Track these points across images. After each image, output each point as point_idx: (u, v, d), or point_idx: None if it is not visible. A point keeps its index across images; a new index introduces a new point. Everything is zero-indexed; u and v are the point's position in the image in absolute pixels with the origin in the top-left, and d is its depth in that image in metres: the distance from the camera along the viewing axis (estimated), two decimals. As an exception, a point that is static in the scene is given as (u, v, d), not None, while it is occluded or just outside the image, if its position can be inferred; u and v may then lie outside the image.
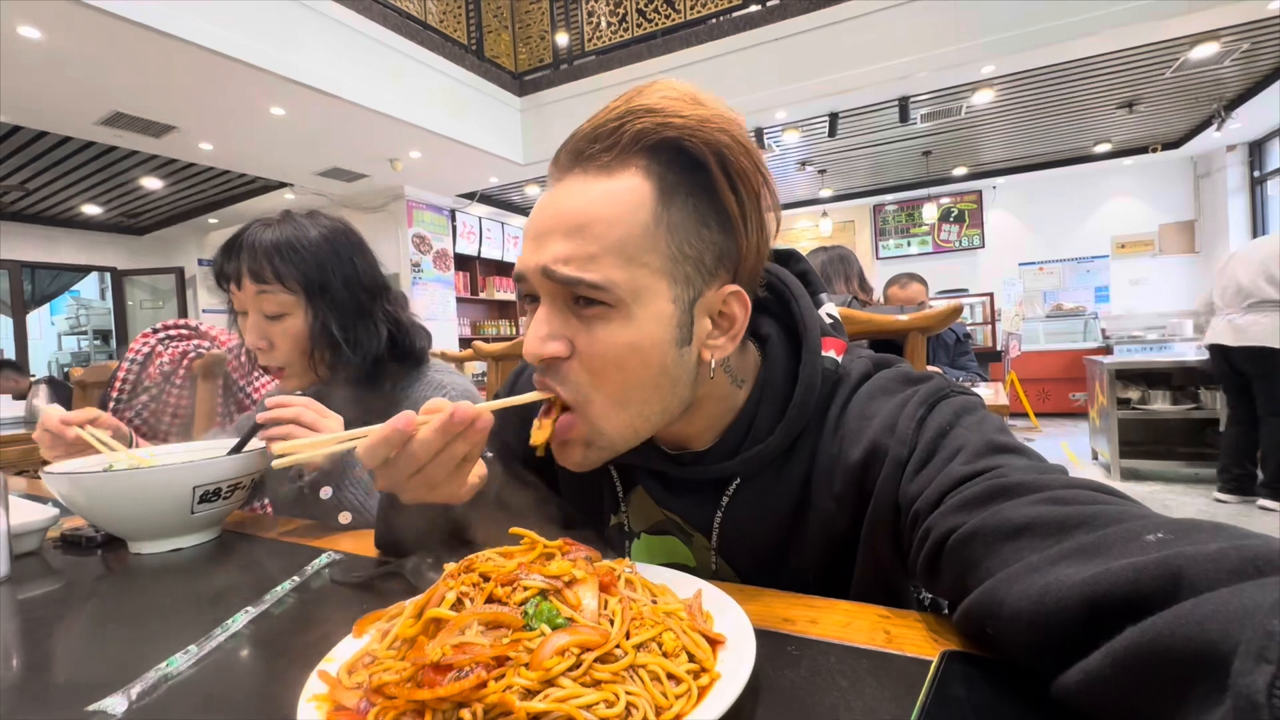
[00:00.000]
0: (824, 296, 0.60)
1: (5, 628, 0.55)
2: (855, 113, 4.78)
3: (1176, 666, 0.24)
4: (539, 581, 0.36)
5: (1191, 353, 3.63)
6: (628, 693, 0.31)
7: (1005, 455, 0.45)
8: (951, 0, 3.72)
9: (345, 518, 0.78)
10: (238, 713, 0.39)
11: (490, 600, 0.36)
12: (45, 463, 0.84)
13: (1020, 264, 7.38)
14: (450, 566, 0.40)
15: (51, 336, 8.56)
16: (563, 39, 5.15)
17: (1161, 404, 3.87)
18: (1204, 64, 4.26)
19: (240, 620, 0.49)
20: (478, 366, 4.69)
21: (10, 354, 6.75)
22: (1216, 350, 3.31)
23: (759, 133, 4.93)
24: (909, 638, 0.41)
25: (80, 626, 0.55)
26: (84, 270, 7.59)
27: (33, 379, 3.96)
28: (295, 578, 0.58)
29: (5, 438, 2.14)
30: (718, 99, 0.49)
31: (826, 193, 7.43)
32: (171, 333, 1.32)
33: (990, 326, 6.65)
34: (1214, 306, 3.36)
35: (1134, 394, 3.93)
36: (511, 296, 7.11)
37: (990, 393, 2.48)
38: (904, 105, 4.42)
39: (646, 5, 4.72)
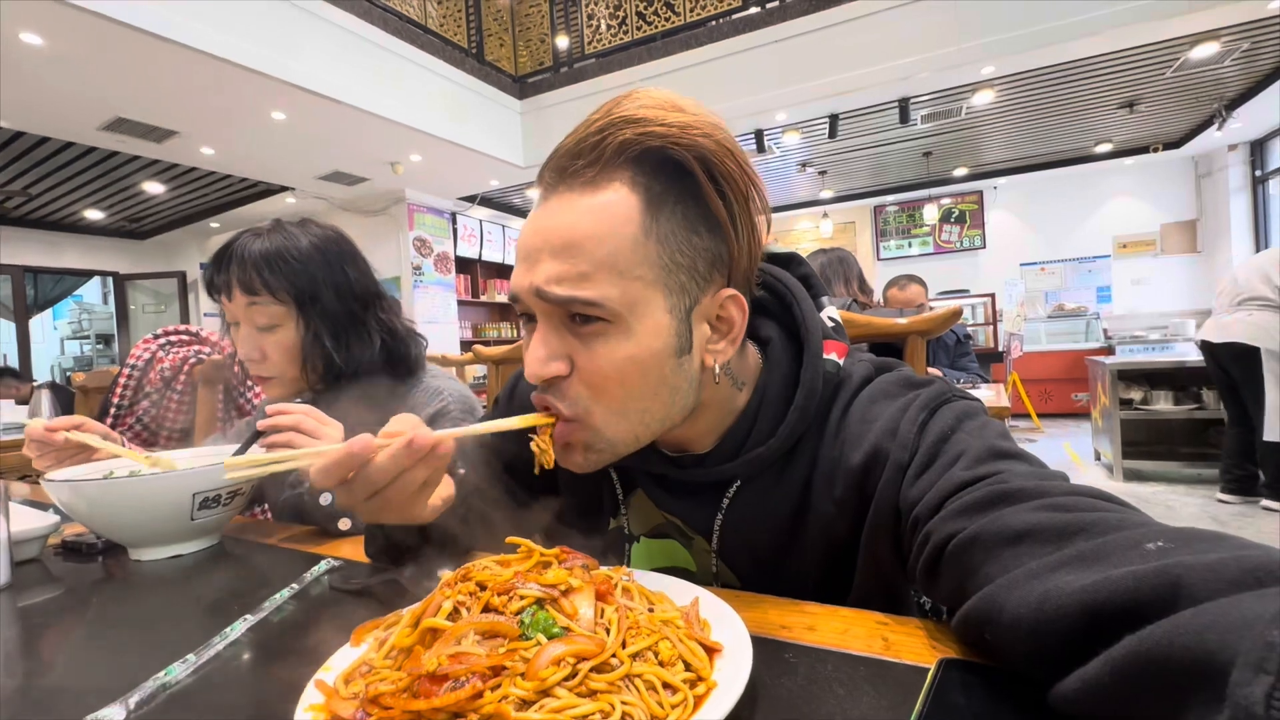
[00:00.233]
0: (825, 299, 0.60)
1: (5, 635, 0.55)
2: (855, 114, 4.78)
3: (1175, 676, 0.24)
4: (535, 590, 0.37)
5: (1194, 353, 3.61)
6: (623, 703, 0.31)
7: (1006, 461, 0.45)
8: (951, 1, 3.72)
9: (345, 524, 0.78)
10: (235, 722, 0.39)
11: (487, 609, 0.36)
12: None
13: (1022, 264, 7.37)
14: (447, 575, 0.40)
15: (54, 341, 8.58)
16: (563, 42, 5.15)
17: (1164, 404, 3.86)
18: (1204, 64, 4.25)
19: (239, 628, 0.49)
20: (479, 370, 4.69)
21: (13, 358, 6.78)
22: (1204, 348, 3.31)
23: (759, 134, 4.93)
24: (907, 645, 0.41)
25: (80, 634, 0.55)
26: (86, 275, 7.61)
27: (34, 384, 3.97)
28: (294, 585, 0.58)
29: (7, 443, 2.14)
30: (698, 104, 0.48)
31: (827, 194, 7.43)
32: (172, 338, 1.33)
33: (992, 327, 6.65)
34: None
35: (1136, 394, 3.92)
36: (513, 299, 7.09)
37: (991, 394, 2.47)
38: (904, 106, 4.42)
39: (646, 8, 4.72)
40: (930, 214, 7.27)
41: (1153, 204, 6.84)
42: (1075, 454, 4.90)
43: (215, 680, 0.43)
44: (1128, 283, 6.99)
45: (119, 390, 1.26)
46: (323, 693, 0.35)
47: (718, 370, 0.51)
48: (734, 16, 4.40)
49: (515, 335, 7.07)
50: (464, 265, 6.71)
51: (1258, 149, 5.98)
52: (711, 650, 0.37)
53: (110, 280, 7.80)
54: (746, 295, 0.52)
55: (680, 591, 0.45)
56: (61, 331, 8.60)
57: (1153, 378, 3.96)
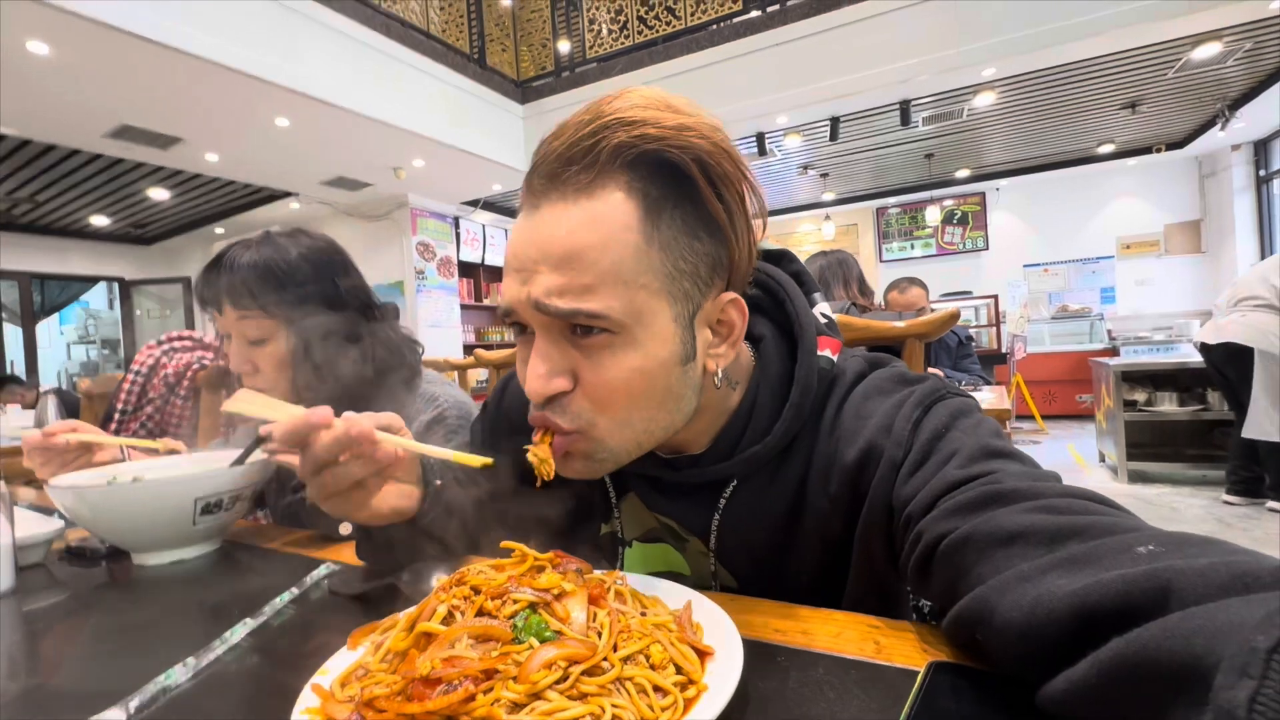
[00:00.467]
0: (817, 296, 0.60)
1: (10, 639, 0.56)
2: (856, 116, 4.79)
3: (1160, 678, 0.24)
4: (528, 595, 0.37)
5: (1198, 354, 3.60)
6: (614, 705, 0.31)
7: (1000, 460, 0.45)
8: (951, 2, 3.72)
9: (345, 528, 0.79)
10: (234, 725, 0.39)
11: (480, 613, 0.36)
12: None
13: (1025, 265, 7.36)
14: (443, 579, 0.40)
15: (60, 346, 8.64)
16: (564, 46, 5.18)
17: (1169, 405, 3.85)
18: (1207, 64, 4.25)
19: (239, 632, 0.50)
20: (481, 374, 4.70)
21: (20, 364, 6.82)
22: (1202, 350, 3.31)
23: (760, 137, 4.94)
24: (899, 648, 0.42)
25: (83, 638, 0.56)
26: (92, 280, 7.67)
27: (40, 390, 4.00)
28: (294, 589, 0.58)
29: (13, 449, 2.16)
30: (691, 102, 0.47)
31: (829, 196, 7.43)
32: (176, 344, 1.33)
33: (995, 329, 6.63)
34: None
35: (1141, 395, 3.91)
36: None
37: (993, 396, 2.47)
38: (905, 109, 4.42)
39: (647, 12, 4.74)
40: (933, 216, 7.27)
41: (1156, 204, 6.83)
42: (1080, 456, 4.88)
43: (214, 683, 0.43)
44: (1131, 283, 6.97)
45: (123, 396, 1.27)
46: (319, 696, 0.35)
47: (719, 375, 0.51)
48: (735, 20, 4.41)
49: (518, 339, 7.06)
50: (467, 269, 6.73)
51: (1261, 149, 5.97)
52: (703, 654, 0.38)
53: (116, 286, 7.86)
54: (741, 294, 0.52)
55: (674, 595, 0.45)
56: (68, 337, 8.66)
57: (1157, 379, 3.95)
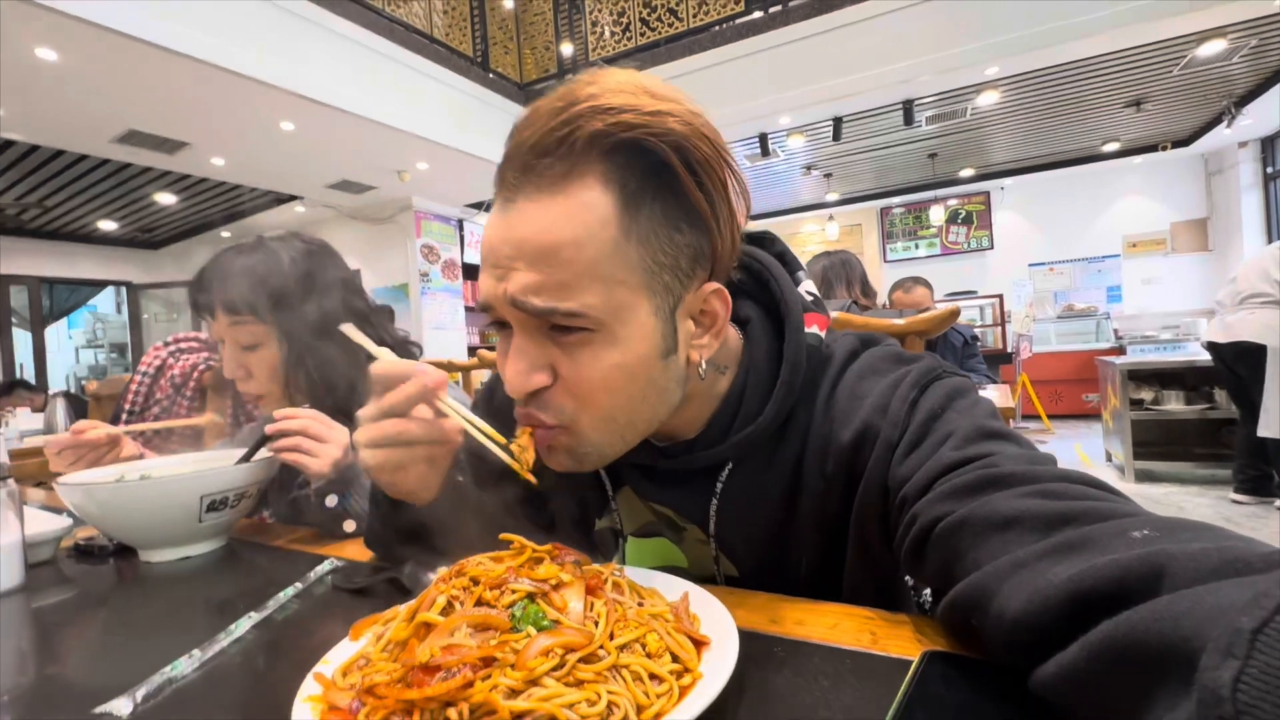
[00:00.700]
0: (801, 275, 0.59)
1: (20, 634, 0.57)
2: (860, 116, 4.78)
3: (1148, 660, 0.25)
4: (526, 585, 0.38)
5: (1205, 352, 3.58)
6: (610, 692, 0.32)
7: (996, 442, 0.44)
8: (953, 2, 3.72)
9: (350, 525, 0.79)
10: (238, 714, 0.40)
11: (479, 603, 0.37)
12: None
13: (1030, 265, 7.33)
14: (442, 571, 0.41)
15: (69, 350, 8.70)
16: (567, 49, 5.19)
17: (1175, 404, 3.82)
18: (1212, 61, 4.23)
19: (244, 625, 0.51)
20: (485, 375, 4.71)
21: (30, 367, 6.88)
22: (1211, 349, 3.29)
23: (763, 138, 4.95)
24: (894, 639, 0.42)
25: (91, 632, 0.57)
26: (100, 285, 7.73)
27: (49, 393, 4.04)
28: (298, 584, 0.59)
29: (25, 450, 2.18)
30: (669, 85, 0.45)
31: (833, 196, 7.42)
32: (182, 346, 1.35)
33: (1000, 328, 6.61)
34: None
35: (1147, 394, 3.89)
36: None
37: (997, 395, 2.46)
38: (908, 108, 4.42)
39: (650, 14, 4.75)
40: (937, 215, 7.26)
41: (1162, 203, 6.79)
42: (1086, 456, 4.86)
43: (219, 674, 0.44)
44: (1138, 282, 6.93)
45: (130, 397, 1.29)
46: (320, 684, 0.36)
47: (703, 366, 0.50)
48: (737, 21, 4.42)
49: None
50: (471, 271, 6.75)
51: (1269, 145, 5.93)
52: (699, 643, 0.38)
53: (124, 290, 7.92)
54: (725, 280, 0.51)
55: (672, 587, 0.46)
56: (76, 341, 8.73)
57: (1164, 378, 3.92)
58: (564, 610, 0.37)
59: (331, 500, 0.79)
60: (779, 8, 4.23)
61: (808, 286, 0.58)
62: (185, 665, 0.44)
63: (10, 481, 0.68)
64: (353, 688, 0.35)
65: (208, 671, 0.44)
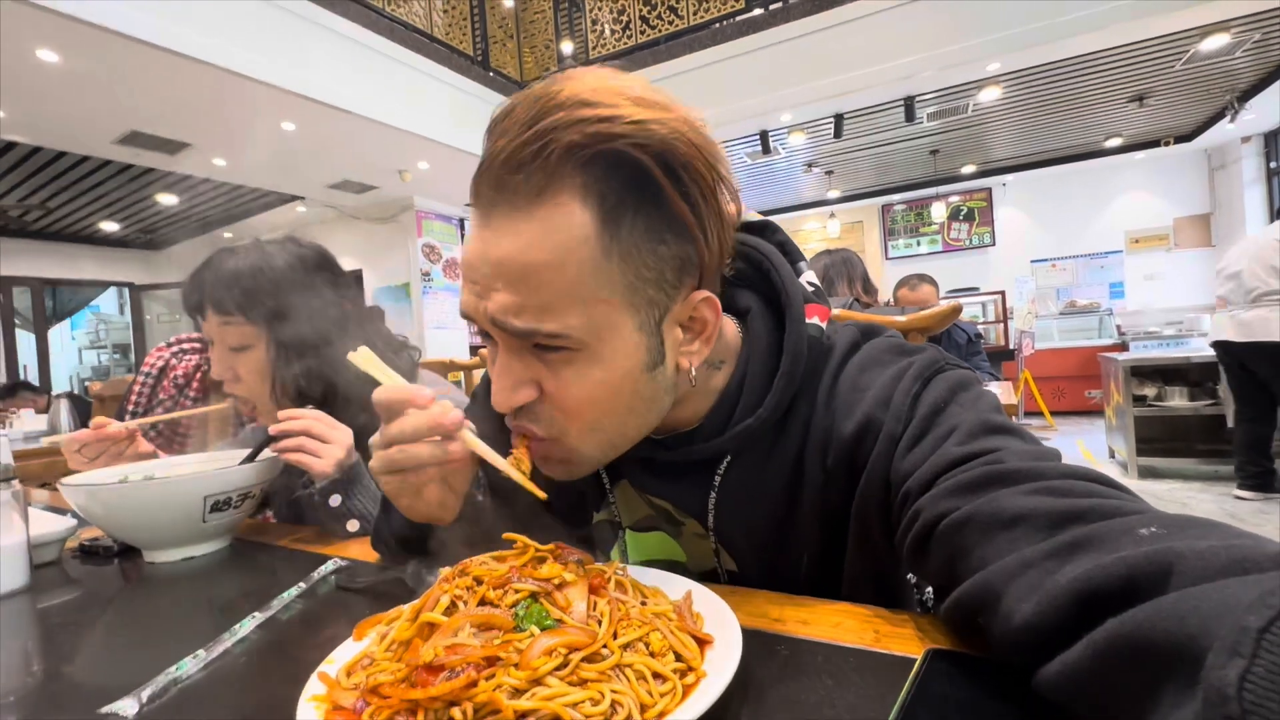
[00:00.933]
0: (803, 265, 0.58)
1: (26, 634, 0.57)
2: (860, 113, 4.77)
3: (1154, 658, 0.24)
4: (530, 584, 0.38)
5: (1208, 348, 3.57)
6: (613, 691, 0.32)
7: (1000, 437, 0.44)
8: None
9: (353, 525, 0.80)
10: (243, 714, 0.40)
11: (483, 603, 0.37)
12: (66, 476, 0.86)
13: (1032, 261, 7.31)
14: (446, 570, 0.41)
15: (72, 351, 8.74)
16: (567, 47, 5.19)
17: (1179, 400, 3.81)
18: (1215, 55, 4.21)
19: (248, 625, 0.51)
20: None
21: (33, 369, 6.90)
22: (1223, 347, 3.25)
23: (764, 135, 4.94)
24: (897, 637, 0.42)
25: (96, 633, 0.57)
26: (103, 286, 7.76)
27: (53, 395, 4.06)
28: (302, 584, 0.59)
29: (29, 451, 2.19)
30: (649, 84, 0.43)
31: (834, 194, 7.41)
32: (185, 346, 1.35)
33: (1002, 325, 6.60)
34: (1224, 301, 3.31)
35: (1150, 391, 3.88)
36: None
37: (1000, 392, 2.46)
38: (909, 105, 4.41)
39: (649, 12, 4.75)
40: (938, 212, 7.24)
41: (1165, 198, 6.77)
42: (1089, 452, 4.85)
43: (224, 674, 0.44)
44: (1141, 278, 6.92)
45: (133, 398, 1.29)
46: (325, 684, 0.36)
47: (694, 372, 0.49)
48: (737, 18, 4.41)
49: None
50: (472, 271, 6.75)
51: (1272, 140, 5.90)
52: (703, 642, 0.38)
53: (126, 291, 7.95)
54: (718, 285, 0.50)
55: (675, 585, 0.46)
56: (79, 342, 8.76)
57: (1167, 374, 3.91)
58: (567, 609, 0.37)
59: (335, 500, 0.79)
60: (779, 4, 4.23)
61: (809, 277, 0.58)
62: (190, 665, 0.44)
63: (15, 483, 0.68)
64: (357, 687, 0.35)
65: (212, 671, 0.45)
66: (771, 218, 0.60)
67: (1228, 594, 0.24)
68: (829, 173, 6.63)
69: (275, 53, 3.47)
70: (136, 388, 1.29)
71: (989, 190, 7.34)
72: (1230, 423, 3.46)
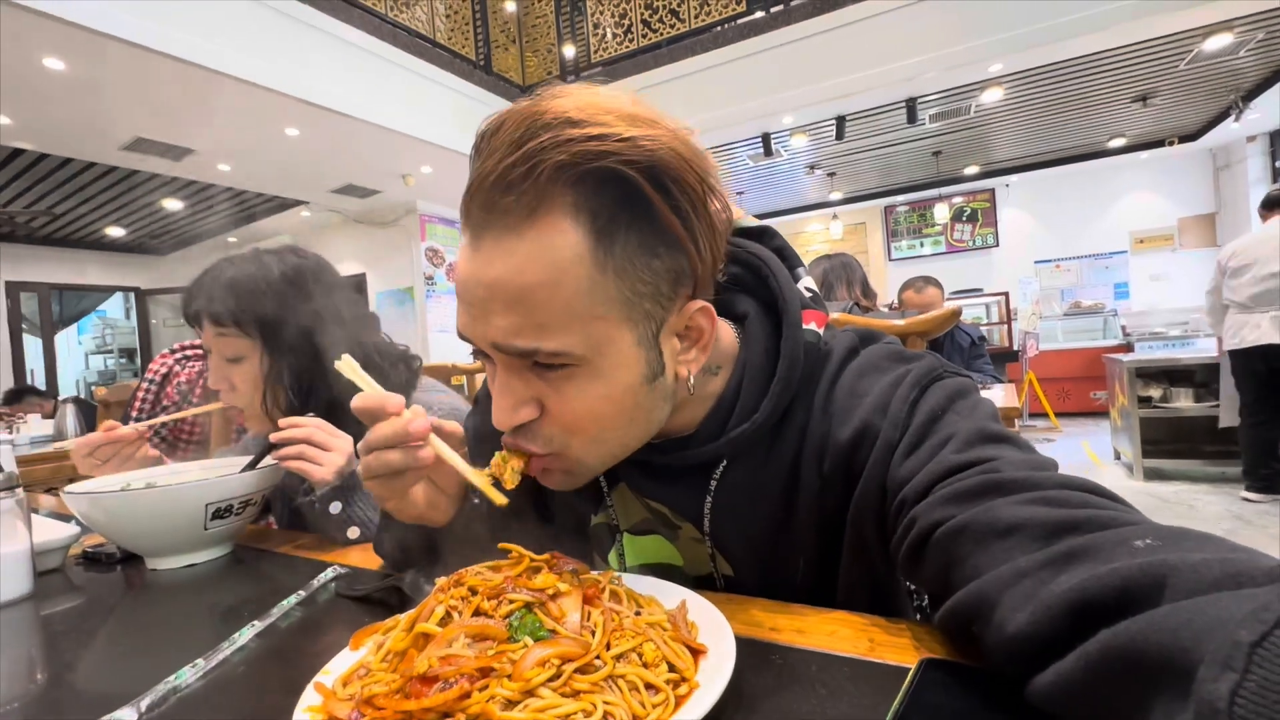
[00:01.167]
0: (801, 271, 0.58)
1: (28, 642, 0.58)
2: (862, 115, 4.77)
3: (1146, 671, 0.24)
4: (524, 595, 0.38)
5: (1214, 349, 3.53)
6: (605, 702, 0.32)
7: (997, 446, 0.44)
8: (956, 0, 3.71)
9: (354, 533, 0.80)
10: (241, 724, 0.40)
11: (477, 613, 0.37)
12: (72, 480, 0.87)
13: (1036, 262, 7.29)
14: (442, 580, 0.41)
15: (79, 356, 8.79)
16: (569, 51, 5.21)
17: (1184, 401, 3.79)
18: (1218, 55, 4.20)
19: (247, 634, 0.51)
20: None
21: (40, 373, 6.95)
22: (1258, 352, 3.11)
23: (766, 138, 4.94)
24: (892, 646, 0.42)
25: (97, 641, 0.57)
26: (109, 291, 7.81)
27: (59, 399, 4.09)
28: (301, 592, 0.59)
29: (34, 456, 2.20)
30: (637, 99, 0.43)
31: (836, 195, 7.41)
32: (188, 353, 1.36)
33: (1006, 326, 6.58)
34: (1229, 303, 3.23)
35: (1155, 392, 3.86)
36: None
37: (1004, 394, 2.45)
38: (911, 106, 4.41)
39: (651, 16, 4.76)
40: (941, 213, 7.23)
41: (1170, 198, 6.74)
42: (1094, 454, 4.82)
43: (222, 683, 0.45)
44: (1145, 278, 6.89)
45: (137, 403, 1.30)
46: (321, 694, 0.36)
47: (691, 380, 0.50)
48: (739, 21, 4.42)
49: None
50: (476, 274, 6.77)
51: (1277, 140, 5.88)
52: (696, 651, 0.38)
53: (132, 296, 8.00)
54: (712, 292, 0.50)
55: (671, 595, 0.46)
56: (85, 346, 8.81)
57: (1172, 375, 3.89)
58: (561, 620, 0.37)
59: (335, 507, 0.80)
60: (780, 7, 4.23)
61: (807, 283, 0.58)
62: (189, 674, 0.45)
63: (19, 490, 0.69)
64: (352, 698, 0.35)
65: (211, 681, 0.45)
66: (774, 220, 0.60)
67: (1221, 608, 0.24)
68: (831, 175, 6.63)
69: (279, 59, 3.49)
70: (140, 394, 1.30)
71: (992, 191, 7.33)
72: (1223, 424, 3.41)
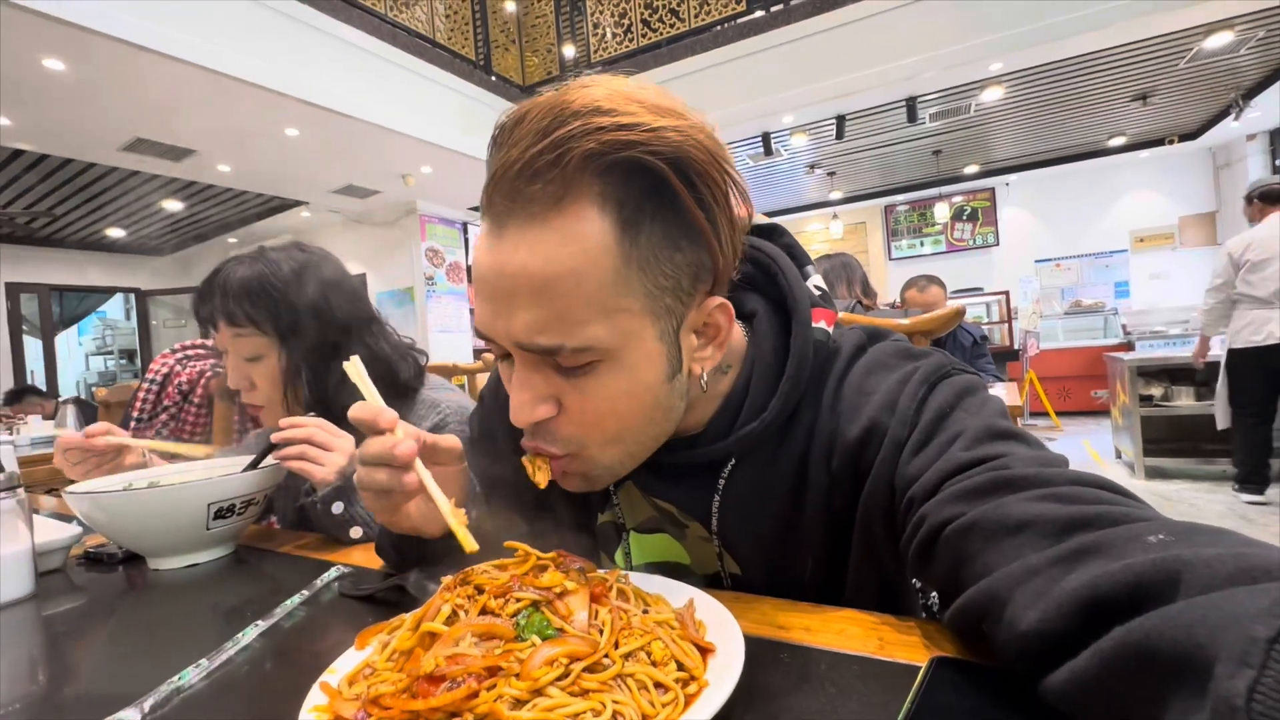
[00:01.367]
0: (810, 269, 0.58)
1: (30, 642, 0.57)
2: (863, 114, 4.77)
3: (1161, 668, 0.24)
4: (531, 593, 0.37)
5: (1217, 346, 3.51)
6: (614, 701, 0.32)
7: (1006, 442, 0.43)
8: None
9: (356, 532, 0.80)
10: (245, 724, 0.40)
11: (484, 612, 0.37)
12: (71, 482, 0.86)
13: (1036, 261, 7.29)
14: (447, 579, 0.41)
15: (79, 357, 8.79)
16: (569, 51, 5.20)
17: (1186, 400, 3.79)
18: (1219, 53, 4.20)
19: (250, 634, 0.51)
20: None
21: (40, 374, 6.95)
22: (1259, 353, 3.06)
23: (766, 137, 4.94)
24: (902, 645, 0.42)
25: (100, 641, 0.57)
26: (109, 292, 7.81)
27: (59, 400, 4.09)
28: (304, 592, 0.59)
29: (35, 457, 2.20)
30: (663, 92, 0.43)
31: (836, 195, 7.41)
32: (190, 353, 1.36)
33: (1006, 325, 6.57)
34: (1241, 298, 3.18)
35: (1156, 390, 3.86)
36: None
37: (1005, 393, 2.45)
38: (911, 105, 4.40)
39: (651, 15, 4.76)
40: (941, 212, 7.22)
41: (1170, 197, 6.74)
42: (1096, 452, 4.82)
43: (226, 684, 0.44)
44: (1146, 277, 6.88)
45: (138, 404, 1.30)
46: (326, 694, 0.36)
47: (704, 378, 0.50)
48: (738, 21, 4.42)
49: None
50: (476, 274, 6.77)
51: (1277, 138, 5.87)
52: (705, 650, 0.38)
53: (132, 296, 8.00)
54: (728, 289, 0.50)
55: (679, 593, 0.45)
56: (86, 347, 8.81)
57: (1173, 374, 3.89)
58: (568, 618, 0.37)
59: (338, 507, 0.80)
60: (780, 6, 4.23)
61: (816, 281, 0.57)
62: (192, 675, 0.44)
63: (20, 490, 0.69)
64: (358, 698, 0.35)
65: (214, 681, 0.44)
66: (774, 219, 0.60)
67: (1235, 603, 0.23)
68: (831, 174, 6.62)
69: (278, 59, 3.49)
70: (141, 394, 1.30)
71: (992, 190, 7.33)
72: (1221, 424, 3.39)
